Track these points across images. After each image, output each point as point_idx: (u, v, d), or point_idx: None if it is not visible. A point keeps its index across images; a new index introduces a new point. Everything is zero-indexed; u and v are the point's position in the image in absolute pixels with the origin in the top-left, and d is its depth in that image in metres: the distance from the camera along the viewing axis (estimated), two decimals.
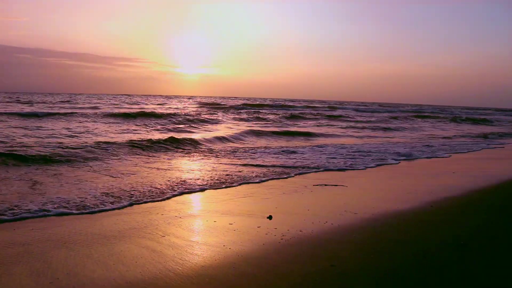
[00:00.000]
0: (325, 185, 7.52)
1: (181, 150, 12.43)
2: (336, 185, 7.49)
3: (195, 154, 11.72)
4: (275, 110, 42.29)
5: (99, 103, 43.04)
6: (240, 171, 8.73)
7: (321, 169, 9.30)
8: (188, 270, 3.63)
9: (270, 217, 5.28)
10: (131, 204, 5.91)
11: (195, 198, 6.53)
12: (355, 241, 4.44)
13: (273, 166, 9.54)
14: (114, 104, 41.24)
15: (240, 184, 7.50)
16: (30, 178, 7.41)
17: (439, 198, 6.59)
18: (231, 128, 21.19)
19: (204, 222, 5.15)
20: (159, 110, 32.05)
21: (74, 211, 5.46)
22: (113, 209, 5.67)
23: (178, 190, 6.82)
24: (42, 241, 4.33)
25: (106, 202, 5.95)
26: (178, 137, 14.25)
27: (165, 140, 13.35)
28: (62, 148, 10.77)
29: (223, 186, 7.34)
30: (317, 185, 7.52)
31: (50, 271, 3.57)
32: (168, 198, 6.36)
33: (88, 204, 5.79)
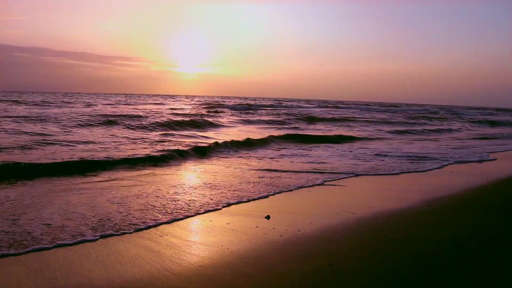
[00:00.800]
0: (323, 184, 7.53)
1: (203, 157, 10.85)
2: (334, 185, 7.50)
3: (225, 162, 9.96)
4: (285, 110, 40.94)
5: (108, 103, 42.33)
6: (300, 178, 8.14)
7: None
8: (186, 269, 3.63)
9: (268, 217, 5.28)
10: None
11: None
12: (353, 240, 4.44)
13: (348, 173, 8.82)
14: (113, 105, 40.80)
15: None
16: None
17: (436, 197, 6.60)
18: (253, 132, 19.30)
19: (201, 221, 5.15)
20: (163, 111, 30.58)
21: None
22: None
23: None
24: None
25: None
26: (200, 144, 12.55)
27: (173, 148, 11.25)
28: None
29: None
30: (314, 184, 7.52)
31: (48, 270, 3.56)
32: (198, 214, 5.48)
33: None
